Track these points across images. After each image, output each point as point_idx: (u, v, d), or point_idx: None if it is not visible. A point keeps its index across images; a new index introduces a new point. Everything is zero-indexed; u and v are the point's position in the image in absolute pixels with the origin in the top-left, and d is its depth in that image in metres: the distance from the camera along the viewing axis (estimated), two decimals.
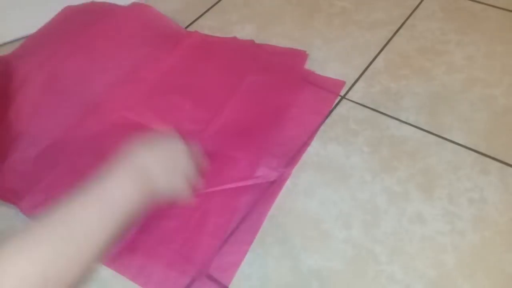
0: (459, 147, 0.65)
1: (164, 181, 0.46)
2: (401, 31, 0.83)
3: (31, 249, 0.34)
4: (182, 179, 0.49)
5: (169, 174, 0.47)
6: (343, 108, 0.71)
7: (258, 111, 0.70)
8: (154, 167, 0.45)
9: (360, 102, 0.72)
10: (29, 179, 0.62)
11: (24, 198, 0.61)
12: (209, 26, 0.87)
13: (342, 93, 0.74)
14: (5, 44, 0.88)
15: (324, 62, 0.79)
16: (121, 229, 0.40)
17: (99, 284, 0.55)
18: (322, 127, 0.69)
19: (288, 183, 0.63)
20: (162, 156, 0.47)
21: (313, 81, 0.74)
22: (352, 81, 0.75)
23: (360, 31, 0.84)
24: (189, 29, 0.87)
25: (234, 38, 0.82)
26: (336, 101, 0.73)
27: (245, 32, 0.86)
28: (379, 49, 0.80)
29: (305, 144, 0.66)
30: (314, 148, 0.67)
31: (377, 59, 0.79)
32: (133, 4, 0.86)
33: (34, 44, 0.81)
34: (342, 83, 0.74)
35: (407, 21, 0.85)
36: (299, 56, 0.78)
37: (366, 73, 0.77)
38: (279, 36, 0.84)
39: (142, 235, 0.57)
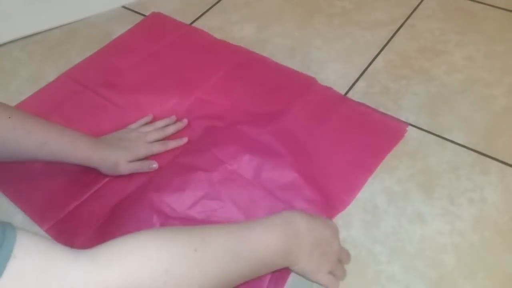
0: (459, 147, 0.65)
1: (307, 253, 0.45)
2: (401, 31, 0.83)
3: (165, 242, 0.34)
4: (327, 263, 0.47)
5: (315, 250, 0.46)
6: None
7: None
8: (305, 233, 0.45)
9: (360, 102, 0.72)
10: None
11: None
12: (209, 26, 0.87)
13: (342, 93, 0.74)
14: (5, 44, 0.88)
15: (324, 62, 0.79)
16: (248, 274, 0.41)
17: None
18: None
19: None
20: (317, 230, 0.46)
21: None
22: (352, 81, 0.75)
23: (360, 31, 0.84)
24: None
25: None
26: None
27: (245, 32, 0.86)
28: (379, 49, 0.80)
29: None
30: None
31: (377, 59, 0.79)
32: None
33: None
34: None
35: (407, 21, 0.85)
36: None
37: (366, 73, 0.77)
38: (279, 36, 0.84)
39: None
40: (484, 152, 0.64)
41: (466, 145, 0.65)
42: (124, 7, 0.94)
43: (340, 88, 0.74)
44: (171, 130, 0.68)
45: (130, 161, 0.62)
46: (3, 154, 0.54)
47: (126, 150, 0.62)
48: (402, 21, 0.85)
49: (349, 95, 0.73)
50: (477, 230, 0.57)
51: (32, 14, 0.90)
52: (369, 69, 0.77)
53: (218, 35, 0.85)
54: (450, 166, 0.63)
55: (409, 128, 0.68)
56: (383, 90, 0.74)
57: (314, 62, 0.79)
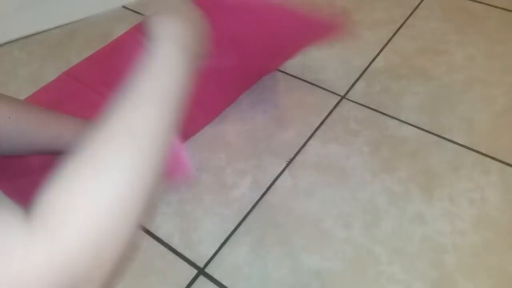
0: (459, 147, 0.65)
1: (194, 42, 0.41)
2: (401, 31, 0.83)
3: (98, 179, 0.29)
4: (204, 39, 0.43)
5: (196, 36, 0.42)
6: (343, 108, 0.71)
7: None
8: (185, 33, 0.40)
9: (360, 102, 0.72)
10: None
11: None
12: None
13: (342, 93, 0.74)
14: (5, 44, 0.88)
15: (325, 62, 0.79)
16: (182, 99, 0.36)
17: None
18: (322, 127, 0.69)
19: (288, 183, 0.63)
20: (186, 20, 0.42)
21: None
22: (352, 81, 0.75)
23: (360, 31, 0.84)
24: None
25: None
26: (336, 101, 0.73)
27: None
28: (379, 49, 0.80)
29: None
30: (314, 148, 0.67)
31: (377, 59, 0.79)
32: None
33: None
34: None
35: (407, 21, 0.85)
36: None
37: (366, 73, 0.76)
38: None
39: None
40: (484, 152, 0.64)
41: (466, 145, 0.65)
42: (124, 7, 0.94)
43: (340, 88, 0.74)
44: None
45: None
46: (19, 147, 0.54)
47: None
48: (402, 21, 0.85)
49: (349, 95, 0.73)
50: (477, 230, 0.57)
51: (32, 14, 0.90)
52: (369, 69, 0.77)
53: None
54: (450, 166, 0.63)
55: (410, 128, 0.68)
56: (383, 90, 0.73)
57: (314, 62, 0.79)
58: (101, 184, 0.29)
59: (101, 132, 0.31)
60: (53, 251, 0.26)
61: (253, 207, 0.61)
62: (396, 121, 0.69)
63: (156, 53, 0.37)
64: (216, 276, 0.55)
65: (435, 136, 0.67)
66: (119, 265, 0.32)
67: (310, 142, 0.68)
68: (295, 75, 0.77)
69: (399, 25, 0.84)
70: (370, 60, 0.78)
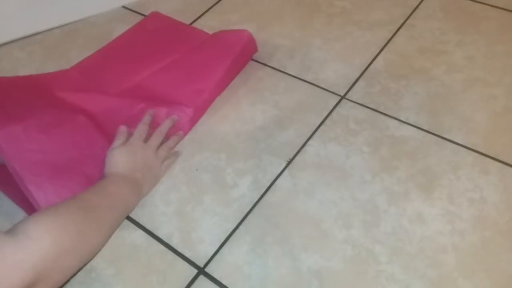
0: (459, 147, 0.65)
1: (144, 177, 0.61)
2: (401, 31, 0.83)
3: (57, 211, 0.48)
4: (157, 163, 0.63)
5: (148, 178, 0.61)
6: (343, 108, 0.72)
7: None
8: (138, 177, 0.60)
9: (360, 102, 0.72)
10: None
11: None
12: (209, 26, 0.87)
13: (342, 93, 0.74)
14: (5, 44, 0.88)
15: (324, 62, 0.79)
16: (121, 217, 0.57)
17: (100, 284, 0.55)
18: (322, 127, 0.69)
19: (288, 183, 0.63)
20: (134, 161, 0.61)
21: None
22: (352, 81, 0.75)
23: (360, 31, 0.84)
24: None
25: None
26: (336, 101, 0.73)
27: None
28: (379, 49, 0.80)
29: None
30: (314, 148, 0.67)
31: (377, 59, 0.79)
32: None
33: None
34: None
35: (407, 21, 0.85)
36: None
37: (366, 73, 0.77)
38: (279, 36, 0.84)
39: None
40: (484, 152, 0.64)
41: (466, 145, 0.65)
42: (124, 7, 0.95)
43: (340, 88, 0.74)
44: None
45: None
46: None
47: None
48: (402, 21, 0.85)
49: (349, 95, 0.73)
50: (477, 230, 0.57)
51: (32, 14, 0.90)
52: (369, 69, 0.77)
53: None
54: (450, 166, 0.63)
55: (409, 128, 0.68)
56: (383, 90, 0.74)
57: (314, 62, 0.79)
58: (66, 222, 0.48)
59: (73, 202, 0.52)
60: (22, 256, 0.41)
61: (253, 207, 0.61)
62: (396, 121, 0.69)
63: (111, 180, 0.57)
64: (216, 276, 0.55)
65: (434, 136, 0.67)
66: (71, 274, 0.49)
67: (310, 142, 0.68)
68: (295, 75, 0.77)
69: (399, 25, 0.84)
70: (370, 60, 0.78)
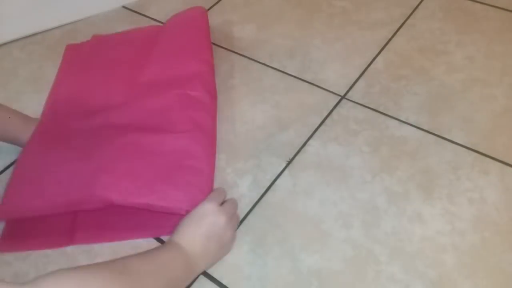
0: (459, 147, 0.65)
1: (206, 260, 0.52)
2: (401, 31, 0.83)
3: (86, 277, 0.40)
4: (225, 245, 0.54)
5: (211, 251, 0.52)
6: (343, 108, 0.72)
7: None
8: (196, 250, 0.51)
9: (360, 102, 0.72)
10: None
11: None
12: (209, 26, 0.87)
13: (342, 93, 0.74)
14: (5, 44, 0.88)
15: (324, 62, 0.79)
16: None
17: None
18: (322, 127, 0.69)
19: (288, 183, 0.63)
20: (203, 235, 0.52)
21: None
22: (352, 81, 0.75)
23: (360, 31, 0.84)
24: None
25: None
26: (336, 101, 0.73)
27: (245, 32, 0.86)
28: (379, 49, 0.80)
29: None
30: (314, 148, 0.67)
31: (377, 59, 0.79)
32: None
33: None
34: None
35: (407, 21, 0.85)
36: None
37: (366, 73, 0.77)
38: (279, 36, 0.84)
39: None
40: (484, 152, 0.64)
41: (466, 145, 0.65)
42: (124, 7, 0.95)
43: (340, 88, 0.74)
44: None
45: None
46: None
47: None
48: (402, 21, 0.85)
49: (349, 95, 0.73)
50: (477, 230, 0.57)
51: (32, 14, 0.90)
52: (369, 69, 0.77)
53: (218, 35, 0.85)
54: (450, 166, 0.63)
55: (409, 128, 0.68)
56: (383, 90, 0.74)
57: (314, 62, 0.79)
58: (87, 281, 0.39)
59: (110, 263, 0.45)
60: None
61: (253, 207, 0.61)
62: (396, 121, 0.69)
63: (164, 248, 0.50)
64: (216, 276, 0.55)
65: (434, 136, 0.67)
66: None
67: (310, 142, 0.68)
68: (295, 75, 0.77)
69: (399, 25, 0.84)
70: (370, 60, 0.78)
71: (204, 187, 0.58)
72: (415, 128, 0.68)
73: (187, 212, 0.54)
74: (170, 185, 0.57)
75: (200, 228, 0.51)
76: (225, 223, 0.53)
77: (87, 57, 0.82)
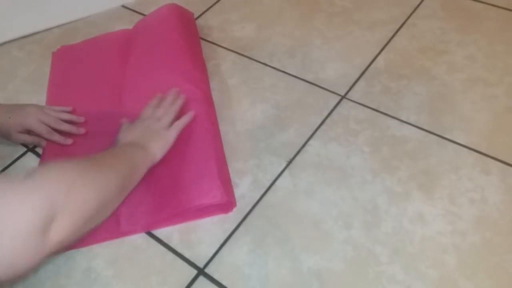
0: (460, 147, 0.65)
1: (151, 141, 0.62)
2: (401, 30, 0.83)
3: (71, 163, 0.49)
4: (159, 127, 0.64)
5: (150, 135, 0.63)
6: (344, 108, 0.71)
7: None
8: (140, 139, 0.62)
9: (361, 102, 0.72)
10: None
11: None
12: (209, 26, 0.87)
13: (342, 93, 0.73)
14: (4, 43, 0.88)
15: (325, 62, 0.79)
16: (134, 176, 0.57)
17: (100, 284, 0.55)
18: (322, 127, 0.69)
19: (288, 183, 0.63)
20: (138, 130, 0.64)
21: None
22: (353, 81, 0.75)
23: (361, 30, 0.83)
24: None
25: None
26: (337, 101, 0.72)
27: (245, 31, 0.85)
28: (379, 49, 0.80)
29: None
30: (314, 148, 0.67)
31: (377, 58, 0.78)
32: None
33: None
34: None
35: (408, 20, 0.84)
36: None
37: (366, 72, 0.76)
38: (279, 35, 0.84)
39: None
40: (485, 152, 0.64)
41: (467, 145, 0.65)
42: (123, 6, 0.94)
43: (340, 88, 0.74)
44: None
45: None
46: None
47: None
48: (402, 20, 0.85)
49: (350, 95, 0.73)
50: (478, 230, 0.56)
51: (31, 13, 0.90)
52: (369, 68, 0.77)
53: (218, 34, 0.85)
54: (451, 166, 0.63)
55: (410, 128, 0.68)
56: (384, 90, 0.73)
57: (314, 61, 0.79)
58: (71, 164, 0.48)
59: (95, 159, 0.53)
60: (32, 190, 0.42)
61: (253, 207, 0.61)
62: (397, 121, 0.69)
63: (115, 147, 0.62)
64: (216, 276, 0.55)
65: (435, 136, 0.66)
66: (92, 208, 0.47)
67: (310, 142, 0.67)
68: (295, 75, 0.77)
69: (399, 24, 0.84)
70: (371, 59, 0.78)
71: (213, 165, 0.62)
72: (416, 128, 0.68)
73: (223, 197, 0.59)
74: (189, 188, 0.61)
75: (136, 130, 0.64)
76: (156, 123, 0.64)
77: (72, 67, 0.82)
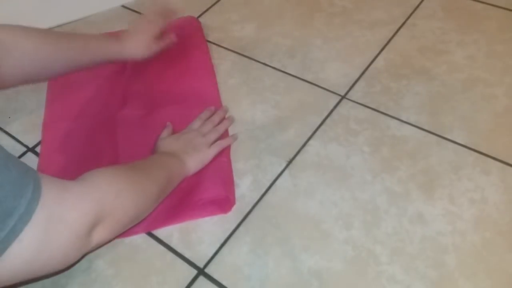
0: (460, 147, 0.65)
1: (188, 155, 0.62)
2: (401, 30, 0.83)
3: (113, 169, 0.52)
4: (201, 143, 0.64)
5: (189, 150, 0.63)
6: (344, 108, 0.71)
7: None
8: (181, 151, 0.62)
9: (361, 102, 0.72)
10: None
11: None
12: (209, 26, 0.87)
13: (342, 93, 0.73)
14: None
15: (325, 62, 0.79)
16: (168, 180, 0.58)
17: (100, 284, 0.55)
18: (322, 127, 0.69)
19: (288, 183, 0.63)
20: (181, 141, 0.64)
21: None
22: (353, 81, 0.75)
23: (361, 30, 0.83)
24: None
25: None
26: (337, 101, 0.72)
27: (245, 31, 0.85)
28: (379, 49, 0.80)
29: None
30: (314, 148, 0.67)
31: (377, 58, 0.78)
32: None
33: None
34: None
35: (408, 20, 0.84)
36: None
37: (366, 72, 0.76)
38: (279, 35, 0.84)
39: None
40: (485, 152, 0.64)
41: (467, 145, 0.65)
42: (123, 6, 0.94)
43: (341, 88, 0.74)
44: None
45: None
46: (58, 68, 0.64)
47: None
48: (402, 20, 0.85)
49: (350, 95, 0.73)
50: (478, 230, 0.56)
51: (31, 13, 0.90)
52: (369, 68, 0.77)
53: (218, 34, 0.85)
54: (451, 166, 0.63)
55: (410, 128, 0.68)
56: (384, 90, 0.73)
57: (314, 61, 0.79)
58: (118, 171, 0.52)
59: (140, 168, 0.56)
60: (82, 194, 0.45)
61: (253, 207, 0.61)
62: (397, 121, 0.69)
63: (156, 155, 0.63)
64: (216, 277, 0.55)
65: (435, 136, 0.66)
66: (130, 216, 0.51)
67: (310, 142, 0.67)
68: (295, 75, 0.77)
69: (399, 24, 0.84)
70: (371, 59, 0.78)
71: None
72: (416, 128, 0.68)
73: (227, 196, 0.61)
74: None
75: (179, 142, 0.64)
76: (199, 138, 0.65)
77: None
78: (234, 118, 0.71)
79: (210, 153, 0.64)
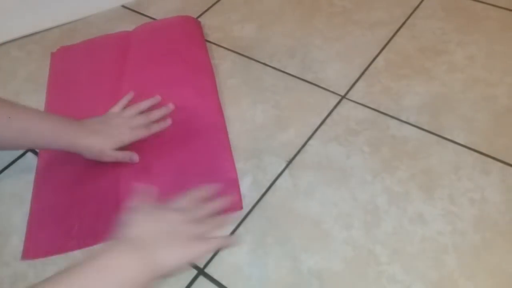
0: (460, 147, 0.65)
1: (165, 248, 0.43)
2: (401, 30, 0.83)
3: None
4: (183, 235, 0.45)
5: (168, 239, 0.44)
6: (344, 108, 0.71)
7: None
8: (151, 240, 0.42)
9: (361, 102, 0.72)
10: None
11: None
12: (209, 26, 0.87)
13: (342, 93, 0.73)
14: (3, 43, 0.88)
15: (325, 62, 0.79)
16: None
17: None
18: (322, 127, 0.69)
19: (288, 183, 0.63)
20: (160, 226, 0.44)
21: None
22: (353, 81, 0.75)
23: (361, 30, 0.83)
24: None
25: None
26: (337, 101, 0.72)
27: (245, 31, 0.85)
28: (379, 49, 0.80)
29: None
30: (314, 148, 0.66)
31: (377, 58, 0.78)
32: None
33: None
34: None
35: (408, 20, 0.84)
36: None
37: (366, 72, 0.76)
38: (279, 35, 0.84)
39: None
40: (485, 152, 0.64)
41: (467, 145, 0.65)
42: (123, 6, 0.94)
43: (341, 87, 0.74)
44: (155, 115, 0.66)
45: (115, 149, 0.62)
46: (6, 146, 0.56)
47: (110, 138, 0.61)
48: (402, 20, 0.85)
49: (350, 95, 0.73)
50: (478, 230, 0.56)
51: (31, 13, 0.90)
52: (369, 68, 0.77)
53: (218, 34, 0.85)
54: (451, 166, 0.63)
55: (410, 128, 0.68)
56: (384, 90, 0.73)
57: (314, 61, 0.79)
58: None
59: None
60: None
61: (253, 207, 0.61)
62: (397, 121, 0.69)
63: (106, 252, 0.40)
64: (216, 277, 0.55)
65: (435, 136, 0.66)
66: None
67: (310, 142, 0.67)
68: (295, 75, 0.77)
69: (399, 24, 0.84)
70: (371, 59, 0.78)
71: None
72: (416, 128, 0.68)
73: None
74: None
75: (151, 224, 0.45)
76: (187, 224, 0.46)
77: (72, 68, 0.81)
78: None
79: (200, 249, 0.45)
